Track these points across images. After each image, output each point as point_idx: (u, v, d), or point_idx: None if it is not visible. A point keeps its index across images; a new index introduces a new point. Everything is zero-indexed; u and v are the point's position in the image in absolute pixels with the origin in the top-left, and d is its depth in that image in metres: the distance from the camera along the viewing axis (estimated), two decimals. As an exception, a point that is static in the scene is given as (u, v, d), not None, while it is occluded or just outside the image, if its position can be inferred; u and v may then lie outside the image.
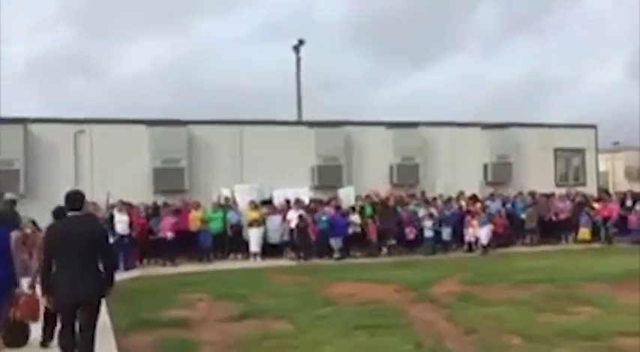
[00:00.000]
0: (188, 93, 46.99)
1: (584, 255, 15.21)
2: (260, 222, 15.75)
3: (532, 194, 18.69)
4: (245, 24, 56.29)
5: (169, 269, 14.33)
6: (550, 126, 21.66)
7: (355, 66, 51.43)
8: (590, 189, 21.24)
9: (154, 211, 15.49)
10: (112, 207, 14.92)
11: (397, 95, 49.79)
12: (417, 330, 7.30)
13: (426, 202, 17.24)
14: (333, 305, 9.15)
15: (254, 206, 16.07)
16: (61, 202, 5.76)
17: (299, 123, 19.16)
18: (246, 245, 15.83)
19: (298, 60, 26.27)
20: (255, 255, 15.62)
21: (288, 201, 16.67)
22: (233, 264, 15.20)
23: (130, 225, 14.64)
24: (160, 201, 16.57)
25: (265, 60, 48.73)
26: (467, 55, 54.31)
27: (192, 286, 11.41)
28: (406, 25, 51.96)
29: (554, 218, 17.96)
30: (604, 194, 20.33)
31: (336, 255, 15.44)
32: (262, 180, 17.54)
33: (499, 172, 20.28)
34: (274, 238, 15.90)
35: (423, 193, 18.73)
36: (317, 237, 15.57)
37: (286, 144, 18.39)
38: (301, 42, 25.96)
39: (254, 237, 15.61)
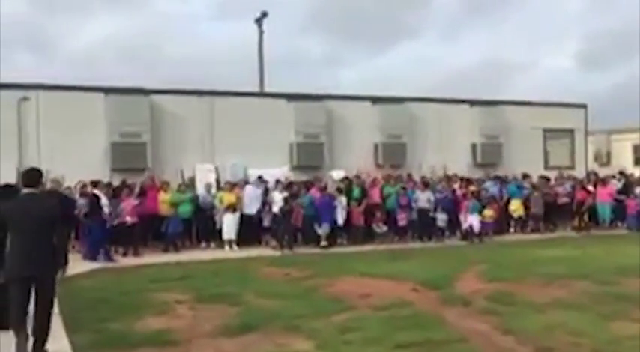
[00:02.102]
0: (149, 68, 44.11)
1: (593, 243, 13.95)
2: (236, 207, 13.82)
3: (525, 176, 17.40)
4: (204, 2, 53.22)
5: (131, 261, 12.28)
6: (539, 104, 20.40)
7: (314, 46, 49.62)
8: (579, 172, 20.15)
9: (114, 192, 13.29)
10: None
11: (355, 76, 48.28)
12: (476, 349, 5.67)
13: (425, 185, 15.44)
14: (350, 309, 7.43)
15: (230, 188, 14.12)
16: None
17: (277, 95, 17.21)
18: (219, 232, 13.88)
19: (261, 33, 24.46)
20: (229, 243, 13.71)
21: (261, 178, 14.83)
22: (205, 253, 13.27)
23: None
24: (117, 181, 14.52)
25: (227, 37, 46.31)
26: (425, 39, 53.09)
27: (165, 283, 9.49)
28: (366, 8, 50.18)
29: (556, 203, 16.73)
30: (594, 177, 19.21)
31: (323, 243, 13.72)
32: (235, 159, 15.64)
33: (489, 153, 18.94)
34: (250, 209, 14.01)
35: (409, 175, 17.15)
36: (302, 222, 13.81)
37: (262, 118, 16.46)
38: (264, 14, 24.27)
39: (229, 223, 13.68)
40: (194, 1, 52.38)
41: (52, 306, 5.38)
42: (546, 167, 19.85)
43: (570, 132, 20.61)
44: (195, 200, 14.04)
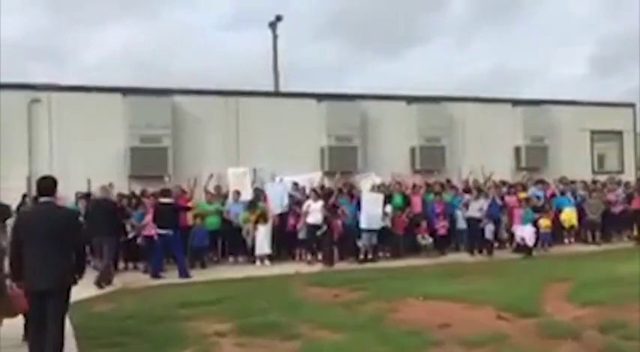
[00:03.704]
0: (162, 80, 42.96)
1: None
2: (267, 219, 12.44)
3: (582, 182, 15.97)
4: (216, 12, 52.32)
5: (154, 279, 10.92)
6: (585, 104, 18.91)
7: (328, 53, 48.56)
8: (628, 176, 18.63)
9: (135, 202, 11.95)
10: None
11: (367, 84, 47.05)
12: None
13: (479, 191, 13.90)
14: (435, 345, 6.02)
15: (252, 206, 12.69)
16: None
17: (307, 95, 15.84)
18: (251, 246, 12.50)
19: (275, 37, 23.16)
20: (262, 258, 12.33)
21: (296, 183, 13.58)
22: (234, 269, 11.90)
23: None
24: (136, 189, 13.32)
25: (240, 48, 45.33)
26: (437, 45, 51.76)
27: (198, 307, 8.12)
28: (378, 14, 48.95)
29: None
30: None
31: (369, 256, 12.34)
32: (262, 163, 14.29)
33: (533, 156, 17.47)
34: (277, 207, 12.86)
35: (448, 181, 15.75)
36: (341, 234, 12.42)
37: (291, 120, 15.14)
38: (279, 18, 23.00)
39: (261, 236, 12.31)
40: (206, 12, 51.40)
41: (63, 318, 5.15)
42: (594, 171, 18.40)
43: (619, 134, 19.13)
44: (221, 211, 12.70)
